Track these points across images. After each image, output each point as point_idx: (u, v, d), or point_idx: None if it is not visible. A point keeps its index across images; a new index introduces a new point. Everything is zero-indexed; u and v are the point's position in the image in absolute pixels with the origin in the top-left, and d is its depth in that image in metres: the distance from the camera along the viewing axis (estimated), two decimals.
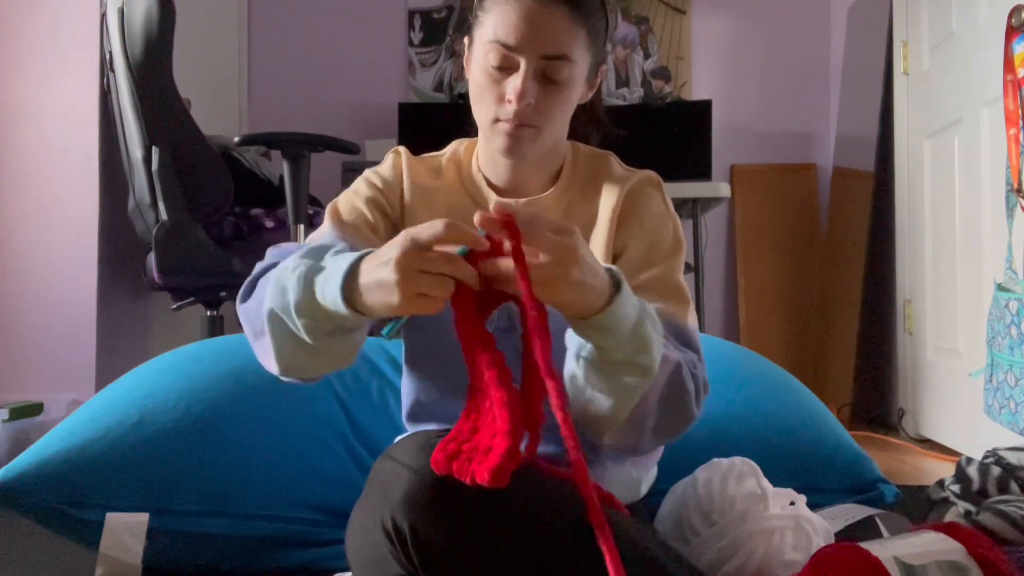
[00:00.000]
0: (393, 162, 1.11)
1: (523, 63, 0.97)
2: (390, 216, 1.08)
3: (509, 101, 0.98)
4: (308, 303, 0.83)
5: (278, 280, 0.87)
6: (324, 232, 1.03)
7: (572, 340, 0.87)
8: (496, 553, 0.78)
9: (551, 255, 0.75)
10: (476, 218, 0.75)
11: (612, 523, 0.78)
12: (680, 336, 1.00)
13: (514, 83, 0.97)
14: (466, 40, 1.06)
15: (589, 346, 0.85)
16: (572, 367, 0.88)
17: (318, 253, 0.88)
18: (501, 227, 0.74)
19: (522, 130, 0.99)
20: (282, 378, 0.95)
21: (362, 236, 1.02)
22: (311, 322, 0.84)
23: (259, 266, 0.98)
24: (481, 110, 1.02)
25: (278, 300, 0.86)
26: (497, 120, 1.00)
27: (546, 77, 0.98)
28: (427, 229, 0.75)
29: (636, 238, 1.05)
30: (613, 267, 0.85)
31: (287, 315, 0.85)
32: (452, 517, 0.77)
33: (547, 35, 0.96)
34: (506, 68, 0.98)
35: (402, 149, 1.13)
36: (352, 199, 1.07)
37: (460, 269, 0.74)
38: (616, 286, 0.82)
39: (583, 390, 0.88)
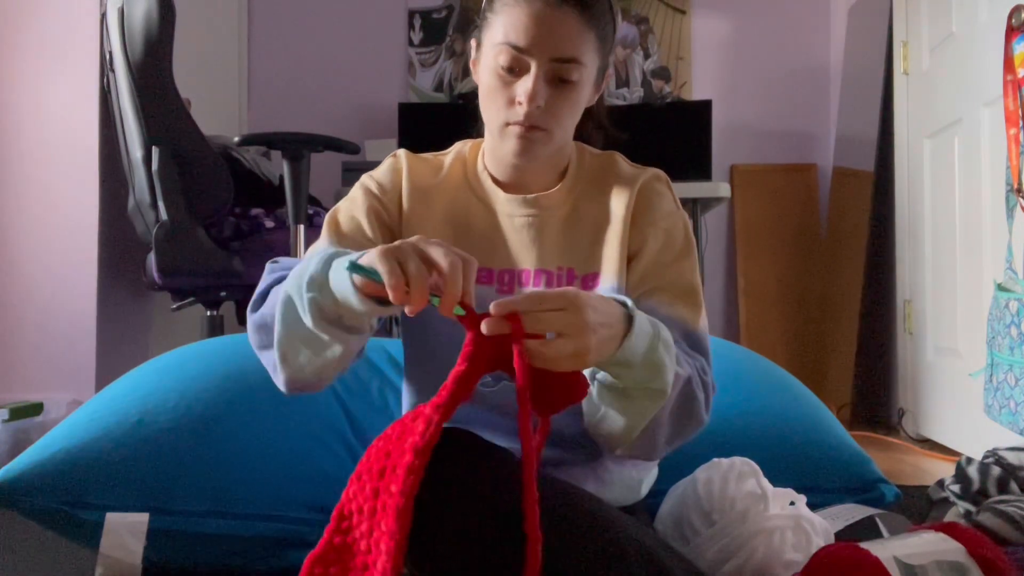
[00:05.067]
0: (392, 166, 1.11)
1: (534, 65, 0.96)
2: (388, 224, 1.08)
3: (520, 103, 0.97)
4: (320, 278, 0.85)
5: (302, 265, 0.89)
6: (322, 245, 1.04)
7: None
8: (491, 551, 0.78)
9: (562, 305, 0.76)
10: (484, 328, 0.75)
11: (625, 522, 0.78)
12: (691, 340, 1.01)
13: (525, 85, 0.97)
14: (473, 42, 1.05)
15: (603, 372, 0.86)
16: None
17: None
18: (506, 322, 0.75)
19: (533, 132, 0.99)
20: (289, 392, 0.96)
21: (360, 249, 1.02)
22: (317, 297, 0.84)
23: (266, 280, 0.99)
24: (491, 113, 1.02)
25: (294, 281, 0.88)
26: (508, 123, 1.00)
27: (556, 79, 0.97)
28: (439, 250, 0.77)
29: (651, 239, 1.05)
30: (624, 298, 0.85)
31: (299, 293, 0.86)
32: (451, 513, 0.77)
33: (558, 37, 0.95)
34: (516, 70, 0.97)
35: (401, 152, 1.12)
36: (351, 209, 1.07)
37: (422, 281, 0.75)
38: (629, 320, 0.82)
39: (597, 408, 0.89)
